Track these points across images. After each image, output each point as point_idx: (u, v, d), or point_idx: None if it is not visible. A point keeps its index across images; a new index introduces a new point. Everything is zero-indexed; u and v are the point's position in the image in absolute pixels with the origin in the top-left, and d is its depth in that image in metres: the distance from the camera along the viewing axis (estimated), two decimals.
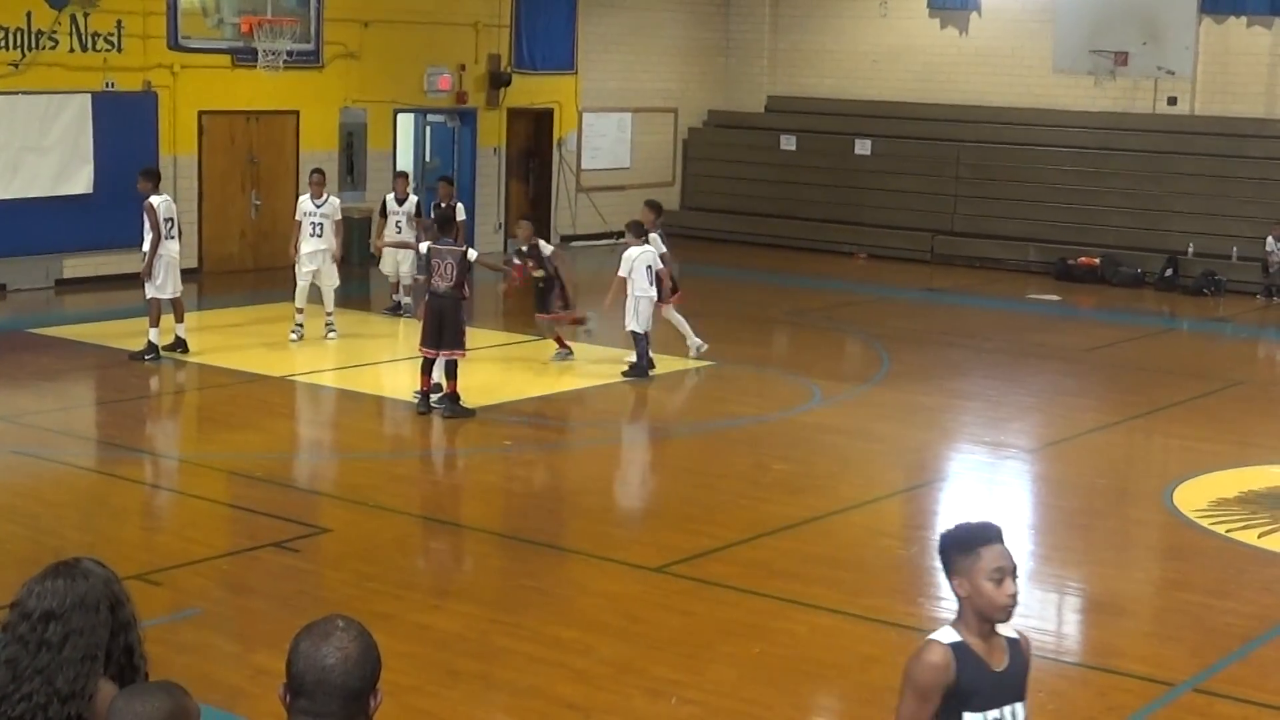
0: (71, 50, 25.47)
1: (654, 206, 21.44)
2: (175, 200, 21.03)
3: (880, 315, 26.04)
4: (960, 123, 33.23)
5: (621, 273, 20.00)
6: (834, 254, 32.57)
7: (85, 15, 25.52)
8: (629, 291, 19.94)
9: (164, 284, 20.10)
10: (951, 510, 15.38)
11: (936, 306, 27.67)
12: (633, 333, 19.99)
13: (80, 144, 25.49)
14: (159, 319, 20.02)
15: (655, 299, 20.14)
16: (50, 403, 18.42)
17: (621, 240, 21.13)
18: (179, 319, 20.45)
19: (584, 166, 33.75)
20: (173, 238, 20.20)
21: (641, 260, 20.01)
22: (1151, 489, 15.77)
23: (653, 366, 20.02)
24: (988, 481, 16.29)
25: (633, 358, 20.04)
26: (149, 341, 19.98)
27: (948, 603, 12.12)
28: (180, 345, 20.35)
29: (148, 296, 20.11)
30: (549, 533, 13.99)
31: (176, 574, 12.22)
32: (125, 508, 14.99)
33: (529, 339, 22.67)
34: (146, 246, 20.01)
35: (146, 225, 19.98)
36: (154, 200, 20.08)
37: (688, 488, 15.73)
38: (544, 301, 20.72)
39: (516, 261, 20.65)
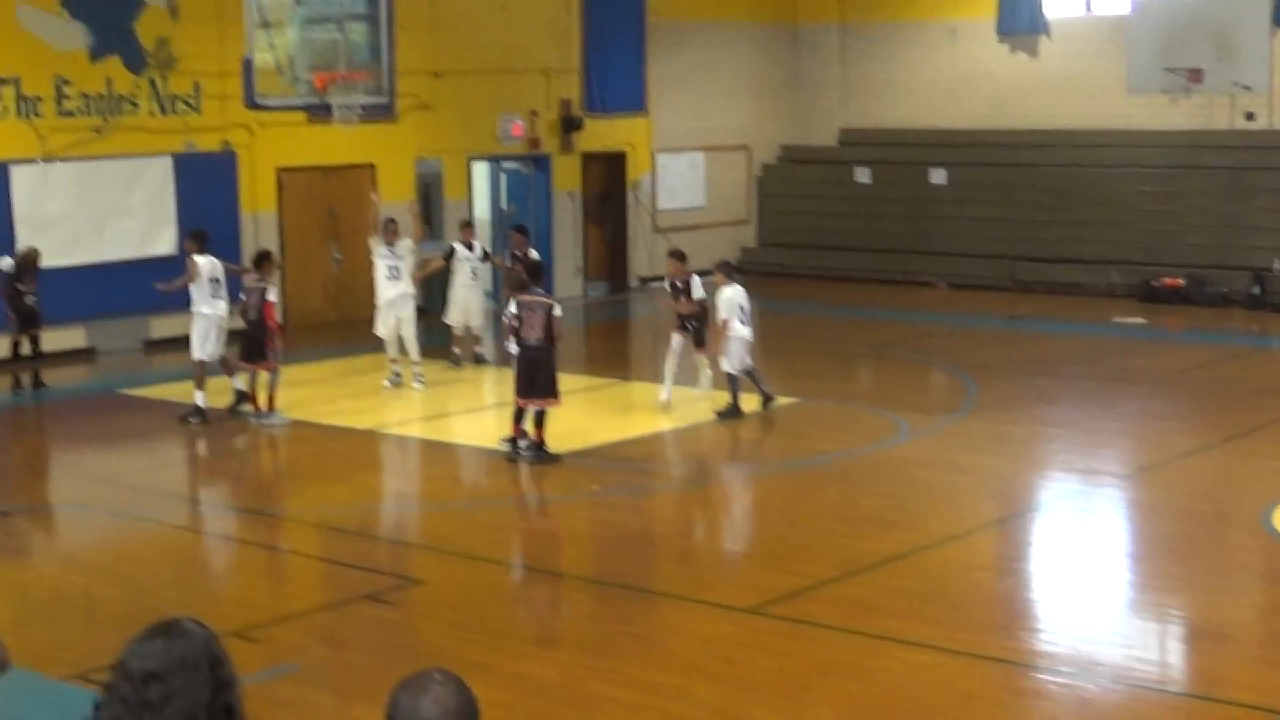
0: (152, 113, 25.77)
1: (679, 255, 21.13)
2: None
3: (963, 345, 25.93)
4: (1035, 147, 33.09)
5: (721, 315, 19.91)
6: (913, 285, 32.45)
7: (164, 78, 25.81)
8: (725, 333, 19.84)
9: (207, 345, 20.23)
10: (1047, 540, 15.29)
11: (1020, 334, 27.51)
12: (727, 374, 19.92)
13: (163, 205, 25.78)
14: (203, 381, 20.13)
15: (749, 339, 20.07)
16: (142, 462, 18.58)
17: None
18: (229, 374, 20.59)
19: (659, 207, 33.78)
20: (219, 298, 20.34)
21: (735, 300, 19.95)
22: (1249, 512, 15.58)
23: (740, 414, 19.89)
24: (1081, 510, 16.16)
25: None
26: (195, 405, 20.11)
27: (1047, 635, 12.06)
28: (240, 400, 20.47)
29: (193, 358, 20.26)
30: (640, 576, 13.98)
31: (273, 630, 12.28)
32: (220, 565, 15.12)
33: (613, 382, 22.72)
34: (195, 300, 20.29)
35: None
36: (198, 257, 20.29)
37: (778, 526, 15.69)
38: (700, 336, 20.51)
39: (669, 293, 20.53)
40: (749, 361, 20.11)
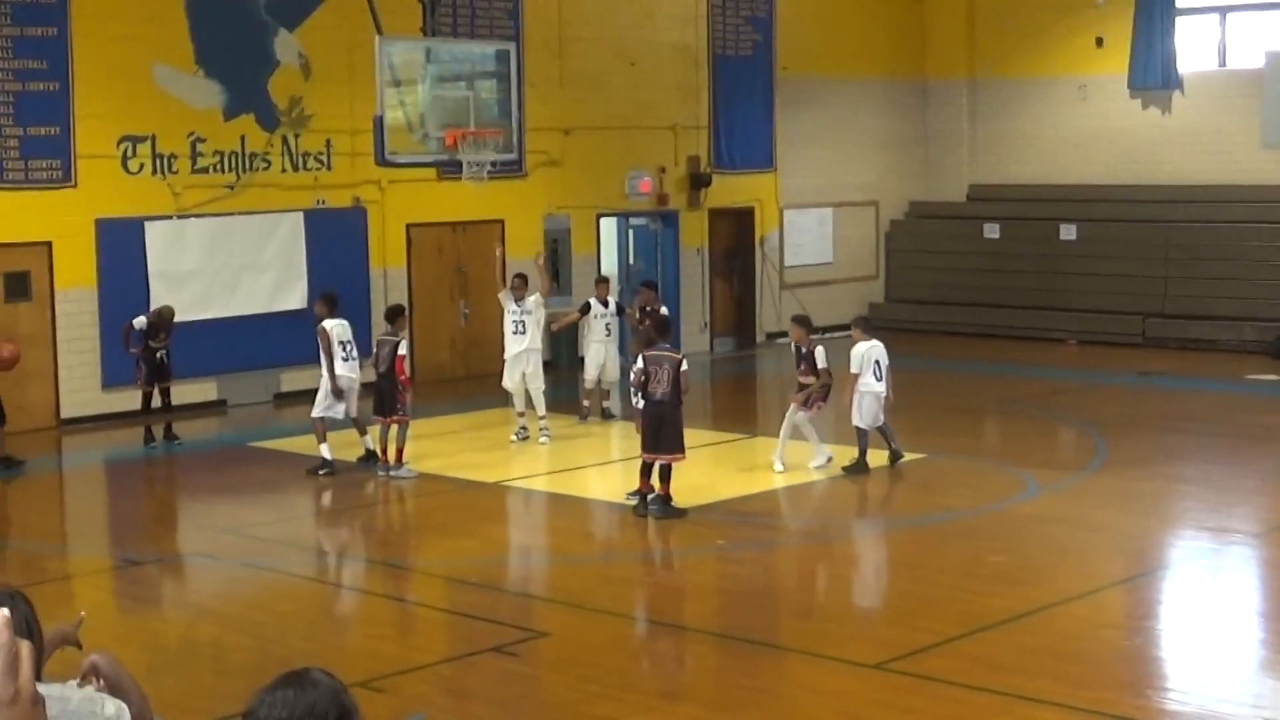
0: (283, 170, 26.14)
1: (803, 322, 20.93)
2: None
3: (1093, 401, 25.69)
4: (1167, 203, 32.80)
5: (854, 369, 19.81)
6: (1042, 341, 32.19)
7: (296, 136, 26.19)
8: (856, 387, 19.76)
9: (338, 407, 20.44)
10: (1176, 598, 15.09)
11: (1151, 390, 27.22)
12: (857, 428, 19.83)
13: (294, 261, 26.12)
14: (324, 435, 20.34)
15: (883, 395, 19.93)
16: (272, 514, 18.77)
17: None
18: (361, 433, 20.76)
19: (787, 263, 33.78)
20: (351, 359, 20.53)
21: (870, 356, 19.86)
22: None
23: (866, 470, 19.79)
24: (1212, 569, 15.93)
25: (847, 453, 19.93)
26: (323, 458, 20.32)
27: (1176, 694, 11.89)
28: (371, 458, 20.64)
29: (313, 415, 20.47)
30: (765, 631, 13.93)
31: (399, 680, 12.34)
32: (347, 616, 15.23)
33: (739, 437, 22.71)
34: (324, 370, 20.45)
35: (322, 348, 20.47)
36: (327, 324, 20.51)
37: (904, 582, 15.59)
38: (816, 400, 20.25)
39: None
40: (881, 418, 19.97)
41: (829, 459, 20.08)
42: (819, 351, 20.14)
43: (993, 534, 16.97)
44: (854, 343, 20.14)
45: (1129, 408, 25.15)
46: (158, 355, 22.47)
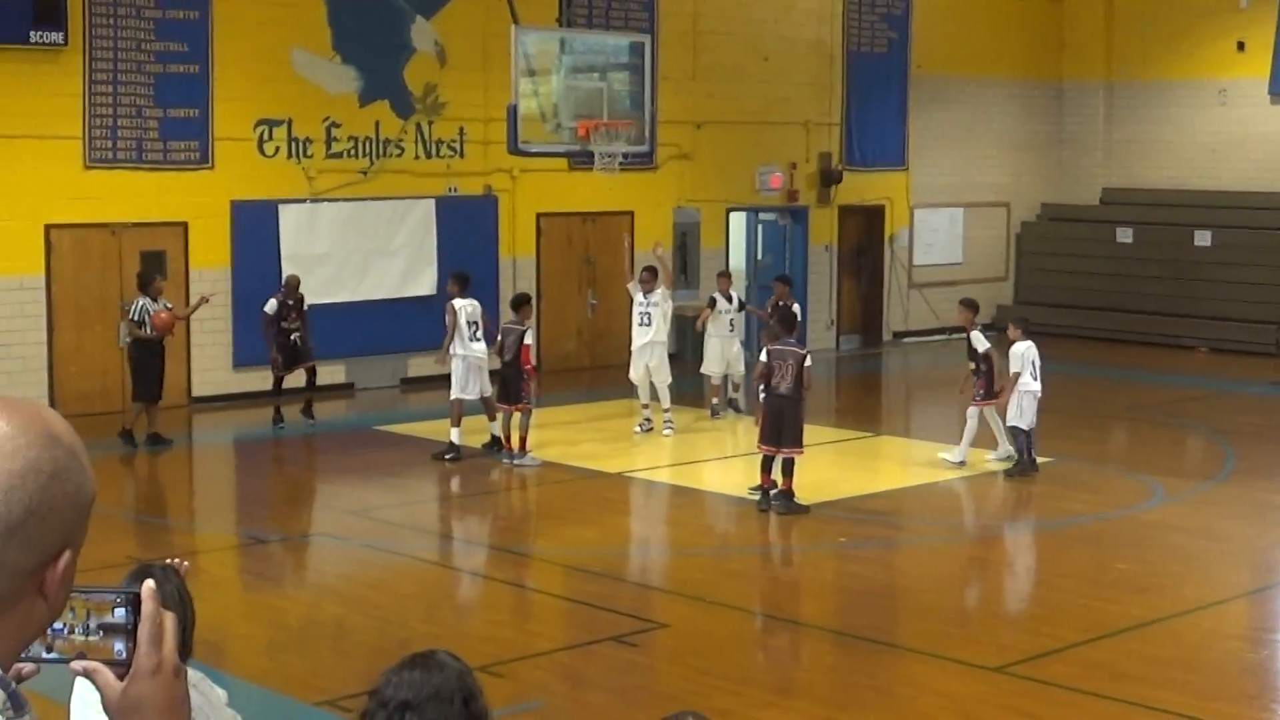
0: (416, 157, 26.34)
1: (970, 305, 20.97)
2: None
3: (1224, 410, 25.38)
4: None
5: (1014, 369, 19.62)
6: (1173, 348, 31.81)
7: (430, 123, 26.39)
8: (1015, 386, 19.58)
9: (468, 386, 20.56)
10: None
11: None
12: (1014, 428, 19.67)
13: (425, 247, 26.31)
14: (459, 420, 20.44)
15: (1039, 395, 19.74)
16: (396, 497, 18.93)
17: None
18: (490, 418, 20.85)
19: (916, 262, 33.62)
20: (478, 340, 20.64)
21: (1029, 355, 19.68)
22: None
23: (1035, 468, 19.69)
24: None
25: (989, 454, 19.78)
26: (450, 442, 20.43)
27: None
28: (495, 444, 20.75)
29: (451, 397, 20.59)
30: (885, 630, 13.90)
31: (517, 666, 12.42)
32: (468, 600, 15.36)
33: (863, 435, 22.65)
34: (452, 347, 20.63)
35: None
36: (456, 303, 20.68)
37: (1027, 586, 15.51)
38: (981, 389, 20.14)
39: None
40: (1035, 420, 19.72)
41: (961, 462, 19.94)
42: (975, 335, 20.05)
43: (1118, 541, 16.82)
44: (1010, 342, 19.91)
45: (1260, 417, 24.81)
46: (292, 338, 22.65)
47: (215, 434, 22.27)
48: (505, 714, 10.96)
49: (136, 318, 20.96)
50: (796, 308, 21.82)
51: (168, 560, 6.38)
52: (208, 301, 22.29)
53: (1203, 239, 32.98)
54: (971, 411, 20.12)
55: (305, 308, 22.93)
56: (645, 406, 22.38)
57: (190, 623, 5.91)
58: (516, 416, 20.29)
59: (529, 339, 20.50)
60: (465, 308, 20.67)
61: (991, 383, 20.01)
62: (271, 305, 22.75)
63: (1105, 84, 35.57)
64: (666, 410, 22.24)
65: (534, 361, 20.98)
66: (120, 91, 23.34)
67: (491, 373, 20.81)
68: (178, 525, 18.07)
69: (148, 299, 21.00)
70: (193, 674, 5.70)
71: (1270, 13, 32.78)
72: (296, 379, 22.86)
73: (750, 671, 12.79)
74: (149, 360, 21.11)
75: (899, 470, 20.70)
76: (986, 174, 34.77)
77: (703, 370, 23.82)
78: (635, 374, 22.42)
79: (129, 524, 17.15)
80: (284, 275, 24.13)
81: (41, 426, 2.27)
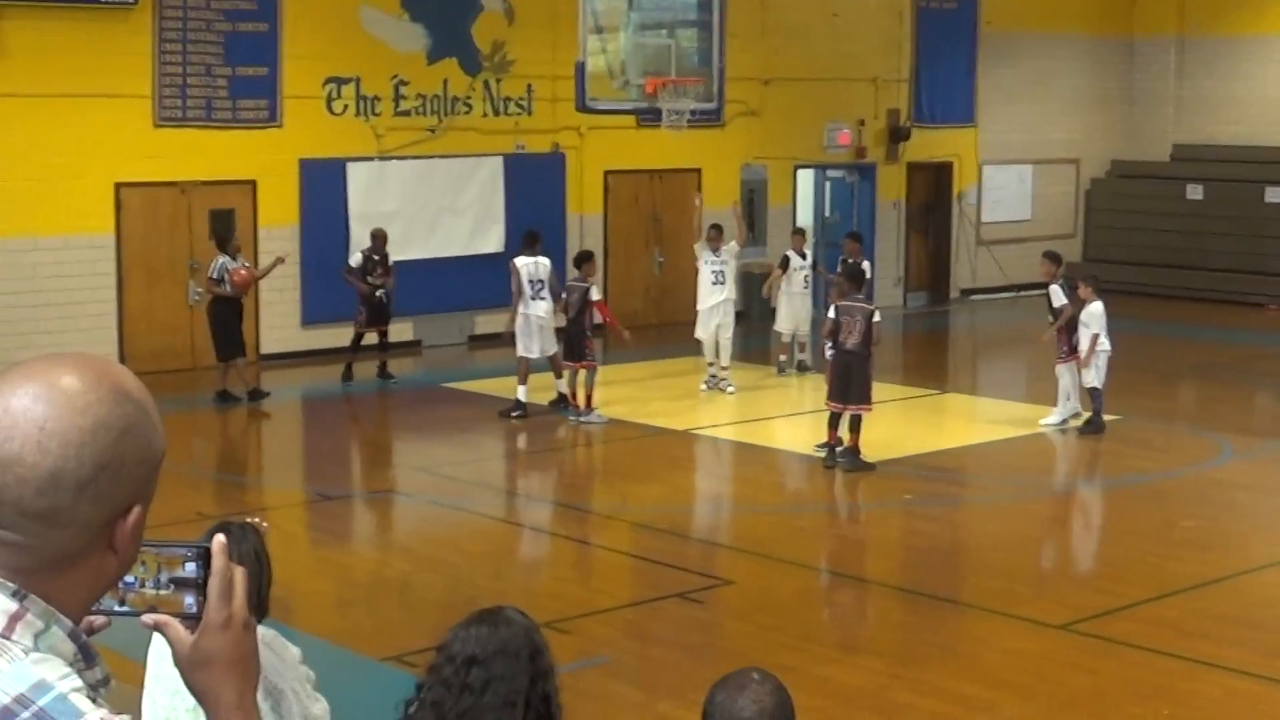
0: (485, 115, 26.39)
1: (1054, 258, 20.83)
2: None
3: None
4: None
5: (1094, 329, 19.42)
6: (1242, 305, 31.58)
7: (498, 81, 26.42)
8: (1094, 346, 19.38)
9: (531, 344, 20.60)
10: None
11: None
12: (1093, 389, 19.55)
13: (493, 204, 26.37)
14: (526, 377, 20.49)
15: (1109, 353, 19.57)
16: (464, 454, 19.03)
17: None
18: (558, 375, 20.90)
19: (984, 219, 33.46)
20: (542, 299, 20.65)
21: (1102, 315, 19.49)
22: None
23: (1103, 428, 19.57)
24: None
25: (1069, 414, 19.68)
26: (516, 399, 20.49)
27: None
28: (562, 401, 20.79)
29: (518, 355, 20.64)
30: (950, 587, 13.91)
31: (584, 622, 12.48)
32: (535, 557, 15.44)
33: (930, 393, 22.60)
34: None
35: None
36: (517, 261, 20.71)
37: (1093, 544, 15.49)
38: (1065, 346, 19.93)
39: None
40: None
41: (1064, 420, 19.78)
42: (1054, 290, 19.87)
43: (1185, 499, 16.76)
44: (1083, 302, 19.71)
45: None
46: (378, 294, 22.71)
47: (284, 391, 22.38)
48: (571, 669, 11.01)
49: (216, 275, 21.08)
50: (866, 265, 21.76)
51: (248, 519, 6.47)
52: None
53: (1274, 195, 32.69)
54: (1060, 370, 19.94)
55: (391, 263, 23.01)
56: (711, 364, 22.38)
57: (268, 582, 5.98)
58: (581, 374, 20.35)
59: (595, 295, 20.55)
60: (526, 266, 20.70)
61: (1069, 338, 19.78)
62: (357, 258, 22.84)
63: (1176, 39, 35.26)
64: (725, 368, 22.23)
65: (611, 315, 21.15)
66: (189, 50, 23.46)
67: (558, 330, 20.84)
68: (247, 481, 18.23)
69: (226, 257, 21.12)
70: (266, 632, 5.78)
71: None
72: (369, 338, 22.97)
73: (815, 629, 12.82)
74: (229, 318, 21.27)
75: (965, 427, 20.66)
76: (1056, 130, 34.54)
77: (775, 328, 23.77)
78: (704, 333, 22.37)
79: (199, 480, 17.29)
80: (351, 233, 24.27)
81: (112, 382, 2.32)
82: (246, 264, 21.58)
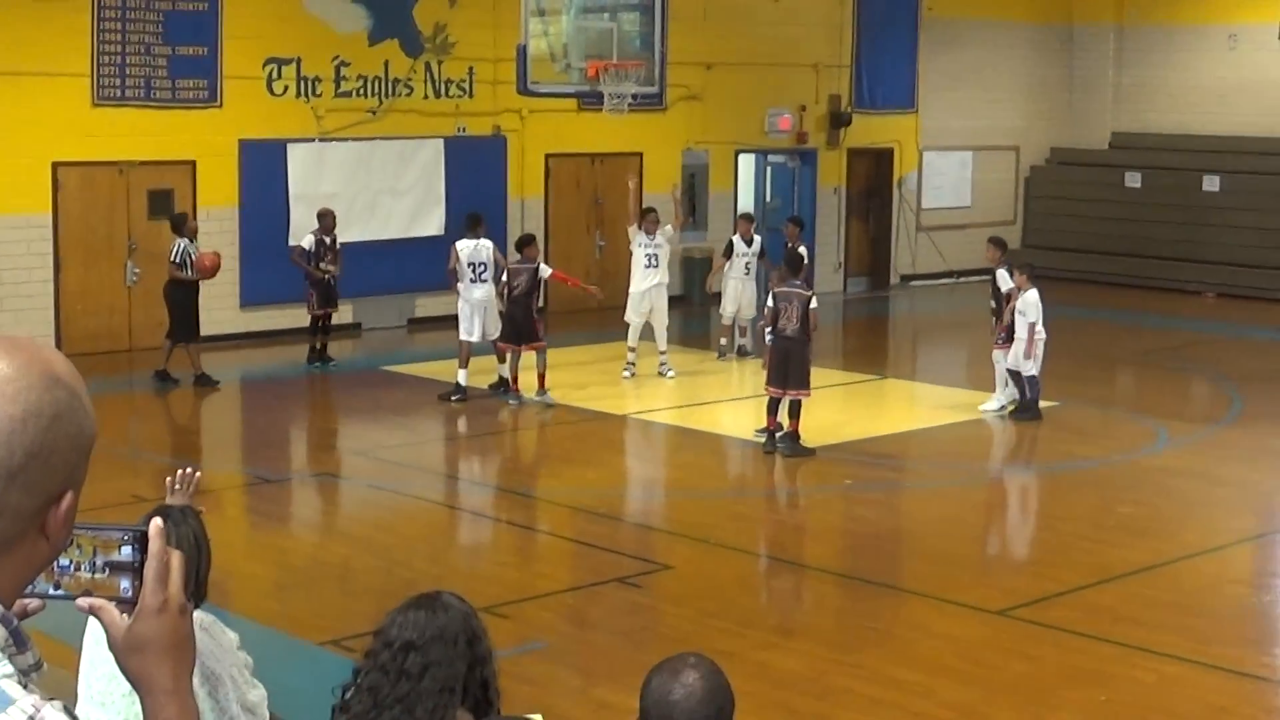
0: (426, 97, 26.30)
1: (999, 243, 20.89)
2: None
3: (1230, 355, 25.37)
4: None
5: (1030, 318, 19.42)
6: (1180, 293, 31.76)
7: (439, 63, 26.33)
8: (1033, 334, 19.42)
9: (472, 327, 20.55)
10: None
11: None
12: (1031, 378, 19.60)
13: (433, 187, 26.30)
14: (467, 361, 20.45)
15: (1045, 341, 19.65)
16: (402, 438, 18.98)
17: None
18: (500, 359, 20.87)
19: (924, 205, 33.55)
20: (483, 281, 20.61)
21: (1039, 304, 19.53)
22: None
23: (1039, 416, 19.67)
24: None
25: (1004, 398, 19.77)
26: (456, 383, 20.45)
27: None
28: (502, 385, 20.74)
29: (460, 338, 20.60)
30: (889, 573, 13.96)
31: (522, 607, 12.47)
32: (474, 541, 15.43)
33: (870, 378, 22.67)
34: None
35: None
36: (457, 244, 20.69)
37: (1030, 530, 15.57)
38: (1002, 333, 19.90)
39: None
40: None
41: (1002, 406, 19.89)
42: (1000, 274, 19.95)
43: (1122, 485, 16.86)
44: (1021, 289, 19.76)
45: (1266, 363, 24.80)
46: (326, 277, 22.63)
47: (222, 373, 22.21)
48: (509, 654, 10.99)
49: (177, 259, 20.95)
50: (803, 250, 21.80)
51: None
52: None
53: (1211, 184, 32.90)
54: (997, 356, 20.02)
55: (339, 245, 22.92)
56: (632, 349, 22.25)
57: (206, 566, 5.95)
58: (526, 356, 20.26)
59: (546, 271, 20.57)
60: (467, 249, 20.65)
61: (1009, 325, 19.82)
62: (309, 241, 22.74)
63: (1115, 27, 35.43)
64: (664, 352, 22.21)
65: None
66: (129, 29, 23.29)
67: (502, 313, 20.76)
68: (184, 464, 18.09)
69: (185, 239, 21.02)
70: (204, 617, 5.75)
71: None
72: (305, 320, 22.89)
73: (754, 614, 12.85)
74: (187, 301, 21.16)
75: (905, 413, 20.73)
76: (996, 118, 34.66)
77: (720, 311, 23.75)
78: (635, 316, 22.28)
79: (136, 463, 17.18)
80: (292, 215, 24.20)
81: (42, 368, 2.28)
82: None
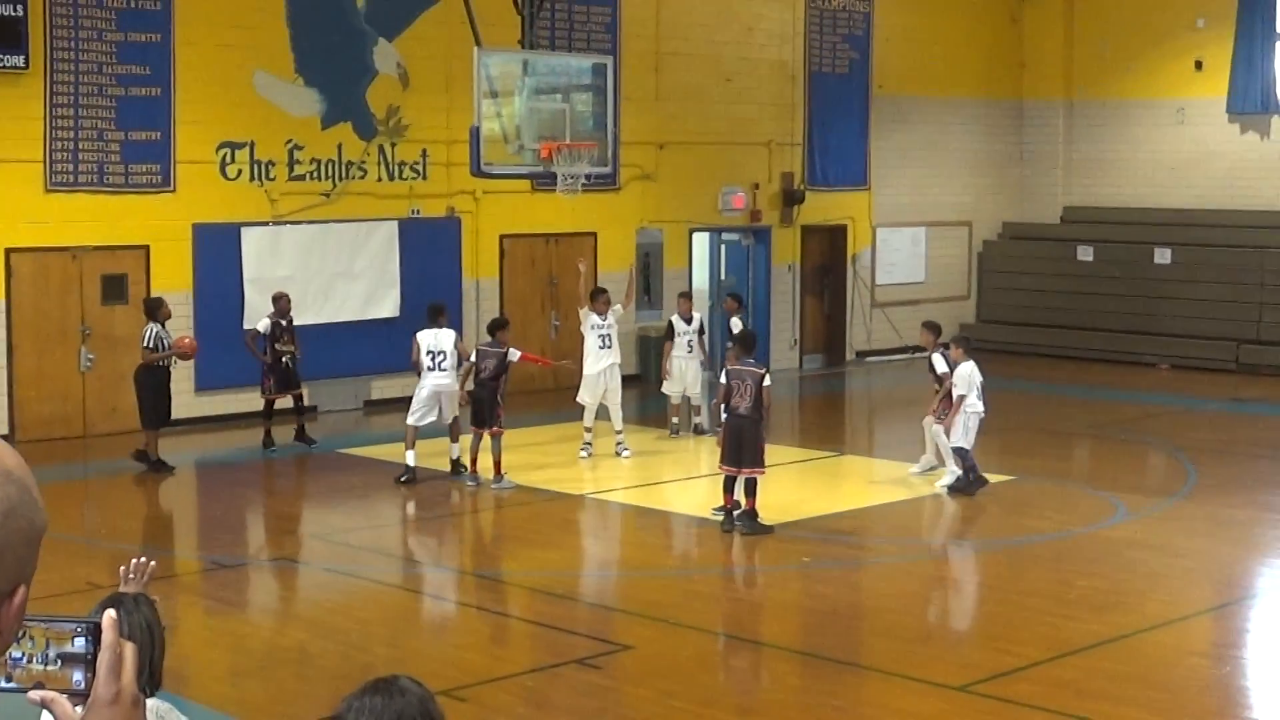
0: (380, 179, 26.34)
1: (933, 328, 21.10)
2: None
3: (1185, 427, 25.49)
4: (1264, 229, 32.49)
5: (960, 390, 19.57)
6: (1134, 365, 31.95)
7: (393, 145, 26.38)
8: (962, 408, 19.55)
9: (429, 414, 20.60)
10: (1266, 627, 14.96)
11: (1244, 417, 26.96)
12: (959, 449, 19.67)
13: (388, 269, 26.30)
14: (414, 442, 20.45)
15: (982, 415, 19.79)
16: (359, 521, 18.90)
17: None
18: (453, 440, 20.86)
19: (878, 281, 33.71)
20: (443, 370, 20.64)
21: (974, 377, 19.69)
22: None
23: (984, 483, 19.73)
24: None
25: (949, 473, 19.82)
26: (405, 464, 20.46)
27: None
28: (458, 468, 20.74)
29: (407, 422, 20.62)
30: (849, 650, 13.92)
31: (481, 690, 12.40)
32: (431, 624, 15.33)
33: (827, 455, 22.68)
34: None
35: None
36: (418, 335, 20.75)
37: (990, 605, 15.54)
38: (944, 408, 20.05)
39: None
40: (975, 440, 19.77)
41: (932, 468, 20.11)
42: (935, 358, 20.16)
43: (1080, 558, 16.87)
44: (955, 363, 19.95)
45: (1221, 434, 24.93)
46: (283, 360, 22.64)
47: (178, 458, 22.13)
48: None
49: (150, 344, 20.94)
50: (735, 321, 21.94)
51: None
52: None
53: (1162, 257, 33.15)
54: (927, 421, 20.27)
55: (293, 328, 22.96)
56: (588, 429, 22.29)
57: (160, 654, 5.90)
58: (486, 440, 20.24)
59: (515, 356, 20.57)
60: (426, 338, 20.69)
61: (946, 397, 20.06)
62: (265, 324, 22.74)
63: (1065, 103, 35.76)
64: (620, 432, 22.23)
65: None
66: (82, 114, 23.29)
67: (469, 393, 20.74)
68: (139, 550, 17.98)
69: (157, 324, 21.02)
70: (160, 704, 5.70)
71: (1227, 32, 33.01)
72: (283, 402, 22.89)
73: (714, 693, 12.79)
74: (160, 386, 21.15)
75: (863, 490, 20.72)
76: (948, 193, 34.90)
77: (663, 390, 23.85)
78: (589, 397, 22.31)
79: (91, 549, 17.06)
80: (246, 299, 24.13)
81: None
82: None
